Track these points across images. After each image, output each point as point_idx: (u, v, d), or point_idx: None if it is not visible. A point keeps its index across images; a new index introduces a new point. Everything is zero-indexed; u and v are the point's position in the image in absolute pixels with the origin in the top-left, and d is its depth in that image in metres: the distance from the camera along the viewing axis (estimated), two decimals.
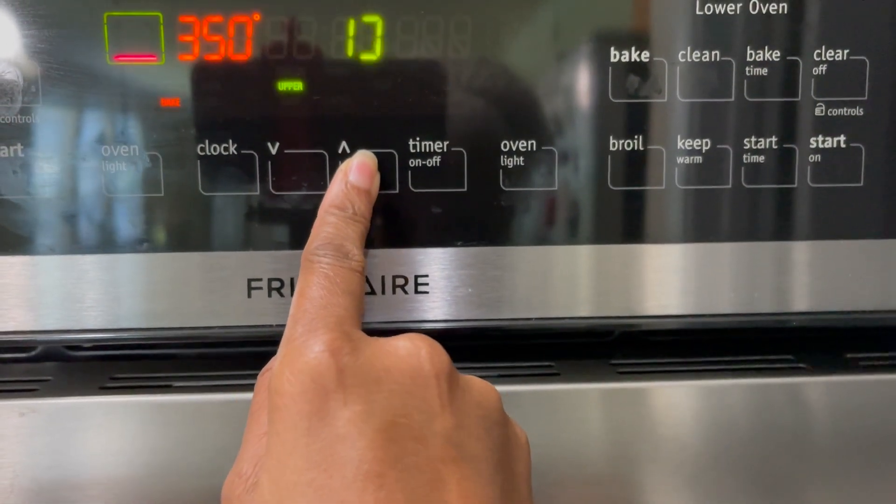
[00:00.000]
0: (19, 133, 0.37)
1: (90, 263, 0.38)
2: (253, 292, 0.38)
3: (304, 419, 0.28)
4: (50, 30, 0.36)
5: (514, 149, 0.38)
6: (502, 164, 0.38)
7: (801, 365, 0.42)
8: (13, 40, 0.36)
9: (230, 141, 0.38)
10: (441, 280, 0.39)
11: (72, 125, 0.37)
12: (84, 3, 0.36)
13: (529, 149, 0.38)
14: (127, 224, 0.38)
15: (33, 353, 0.44)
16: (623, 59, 0.38)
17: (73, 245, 0.38)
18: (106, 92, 0.37)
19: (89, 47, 0.37)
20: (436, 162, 0.38)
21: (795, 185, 0.39)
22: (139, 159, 0.37)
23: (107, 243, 0.38)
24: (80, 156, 0.37)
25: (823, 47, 0.39)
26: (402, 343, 0.30)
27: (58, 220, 0.37)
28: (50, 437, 0.37)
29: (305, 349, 0.29)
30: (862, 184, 0.39)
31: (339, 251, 0.33)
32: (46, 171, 0.37)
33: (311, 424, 0.28)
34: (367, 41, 0.37)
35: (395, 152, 0.38)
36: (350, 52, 0.37)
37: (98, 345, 0.43)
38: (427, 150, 0.38)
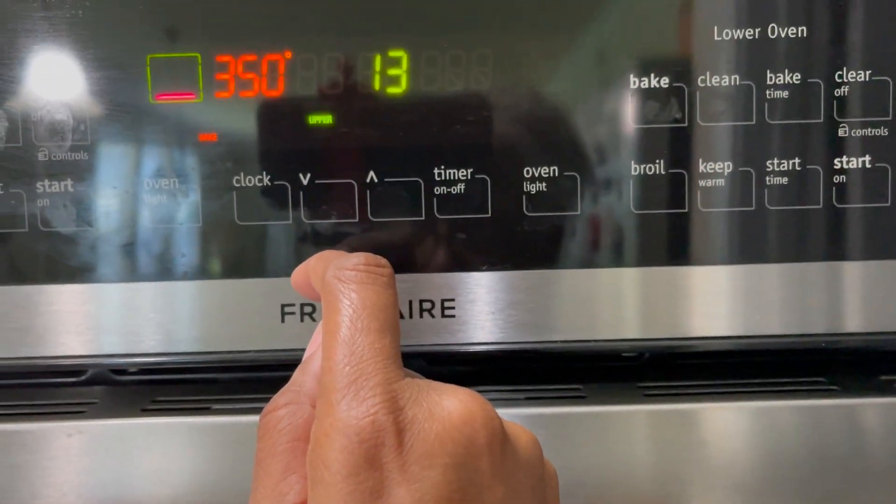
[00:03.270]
0: (69, 169, 0.39)
1: (133, 292, 0.40)
2: (286, 317, 0.40)
3: (355, 500, 0.27)
4: (98, 72, 0.39)
5: (536, 175, 0.39)
6: (525, 189, 0.39)
7: (833, 388, 0.42)
8: (64, 82, 0.39)
9: (264, 173, 0.39)
10: (466, 304, 0.40)
11: (117, 161, 0.39)
12: (129, 46, 0.39)
13: (552, 175, 0.39)
14: (167, 253, 0.40)
15: (83, 377, 0.46)
16: (643, 86, 0.39)
17: (118, 274, 0.40)
18: (148, 129, 0.39)
19: (134, 87, 0.39)
20: (460, 189, 0.39)
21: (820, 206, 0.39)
22: (179, 191, 0.39)
23: (148, 272, 0.40)
24: (124, 189, 0.39)
25: (844, 69, 0.39)
26: (454, 406, 0.28)
27: (103, 251, 0.40)
28: (95, 457, 0.39)
29: (354, 420, 0.27)
30: (889, 203, 0.39)
31: (371, 260, 0.31)
32: (92, 205, 0.39)
33: None
34: (393, 75, 0.39)
35: (420, 180, 0.39)
36: (377, 85, 0.39)
37: (143, 369, 0.45)
38: (451, 177, 0.39)
